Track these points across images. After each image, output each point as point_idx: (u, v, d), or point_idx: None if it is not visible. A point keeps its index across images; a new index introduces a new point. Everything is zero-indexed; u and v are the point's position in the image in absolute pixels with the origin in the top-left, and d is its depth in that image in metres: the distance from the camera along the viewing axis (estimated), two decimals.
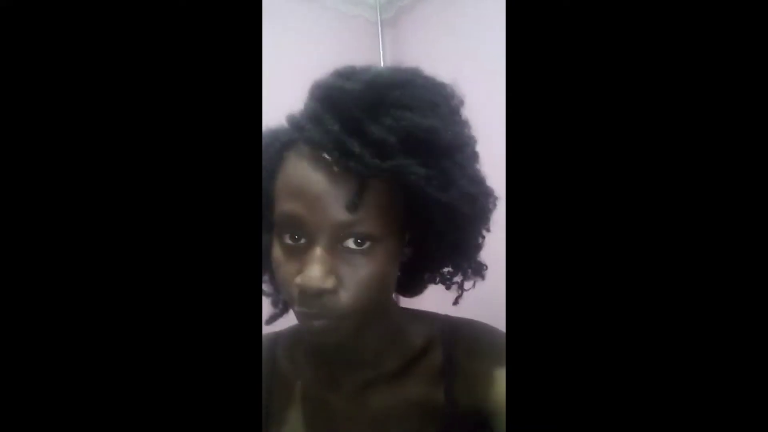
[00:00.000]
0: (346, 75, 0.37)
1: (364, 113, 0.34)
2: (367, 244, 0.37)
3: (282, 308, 0.48)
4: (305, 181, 0.36)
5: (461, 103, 0.39)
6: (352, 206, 0.35)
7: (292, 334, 0.54)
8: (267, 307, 0.47)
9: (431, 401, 0.46)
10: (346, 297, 0.37)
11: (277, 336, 0.54)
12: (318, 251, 0.36)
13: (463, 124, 0.39)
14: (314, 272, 0.35)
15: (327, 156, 0.35)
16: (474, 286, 0.47)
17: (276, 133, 0.41)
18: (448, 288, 0.47)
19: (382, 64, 1.62)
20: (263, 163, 0.39)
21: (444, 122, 0.36)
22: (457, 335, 0.48)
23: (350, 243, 0.36)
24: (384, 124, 0.34)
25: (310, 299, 0.36)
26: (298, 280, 0.36)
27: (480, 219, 0.41)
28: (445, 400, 0.46)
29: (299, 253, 0.37)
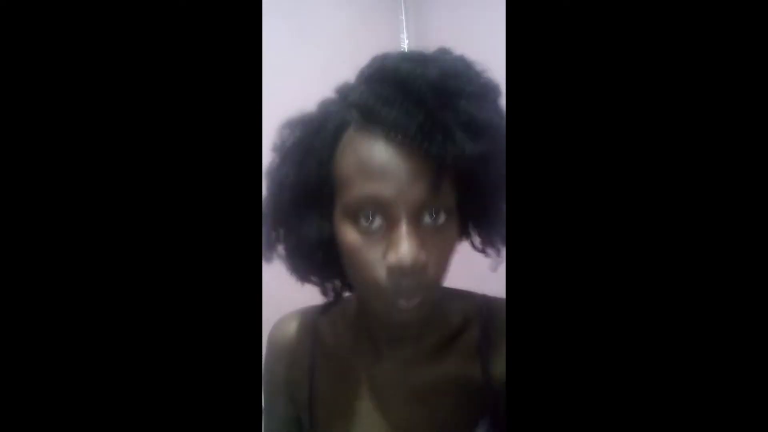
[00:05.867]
0: (417, 60, 0.37)
1: (437, 101, 0.35)
2: (442, 219, 0.38)
3: (335, 296, 0.47)
4: (386, 163, 0.36)
5: (498, 92, 0.40)
6: (435, 187, 0.36)
7: (335, 307, 0.54)
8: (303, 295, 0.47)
9: (468, 378, 0.47)
10: (433, 271, 0.38)
11: (318, 309, 0.55)
12: (405, 228, 0.36)
13: (501, 112, 0.40)
14: (408, 248, 0.35)
15: (406, 138, 0.35)
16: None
17: (323, 117, 0.40)
18: (486, 255, 0.47)
19: (405, 36, 1.60)
20: (310, 147, 0.39)
21: (492, 112, 0.38)
22: (493, 314, 0.49)
23: (426, 218, 0.37)
24: (454, 112, 0.35)
25: (404, 277, 0.37)
26: (392, 258, 0.36)
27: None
28: (482, 378, 0.47)
29: (379, 234, 0.37)
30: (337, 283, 0.47)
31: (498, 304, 0.51)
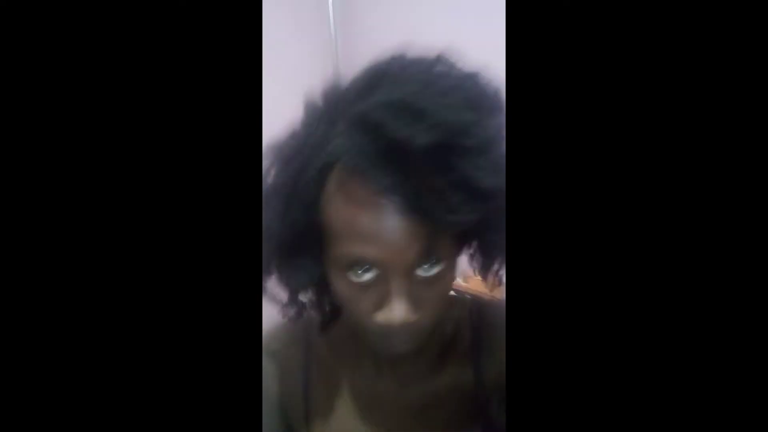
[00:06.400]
0: (405, 111, 0.31)
1: (429, 162, 0.31)
2: (437, 269, 0.36)
3: (332, 315, 0.46)
4: (375, 226, 0.33)
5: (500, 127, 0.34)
6: (429, 247, 0.34)
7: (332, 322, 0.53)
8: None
9: (463, 383, 0.47)
10: (427, 320, 0.37)
11: (309, 322, 0.52)
12: (396, 287, 0.35)
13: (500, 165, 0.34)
14: (398, 310, 0.34)
15: (395, 204, 0.32)
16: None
17: (304, 157, 0.36)
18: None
19: (332, 31, 1.65)
20: (292, 192, 0.36)
21: (495, 166, 0.32)
22: (483, 315, 0.49)
23: (420, 270, 0.36)
24: (448, 174, 0.31)
25: (394, 333, 0.36)
26: (381, 319, 0.35)
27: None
28: (474, 381, 0.47)
29: (371, 288, 0.36)
30: (335, 302, 0.45)
31: (487, 305, 0.51)
